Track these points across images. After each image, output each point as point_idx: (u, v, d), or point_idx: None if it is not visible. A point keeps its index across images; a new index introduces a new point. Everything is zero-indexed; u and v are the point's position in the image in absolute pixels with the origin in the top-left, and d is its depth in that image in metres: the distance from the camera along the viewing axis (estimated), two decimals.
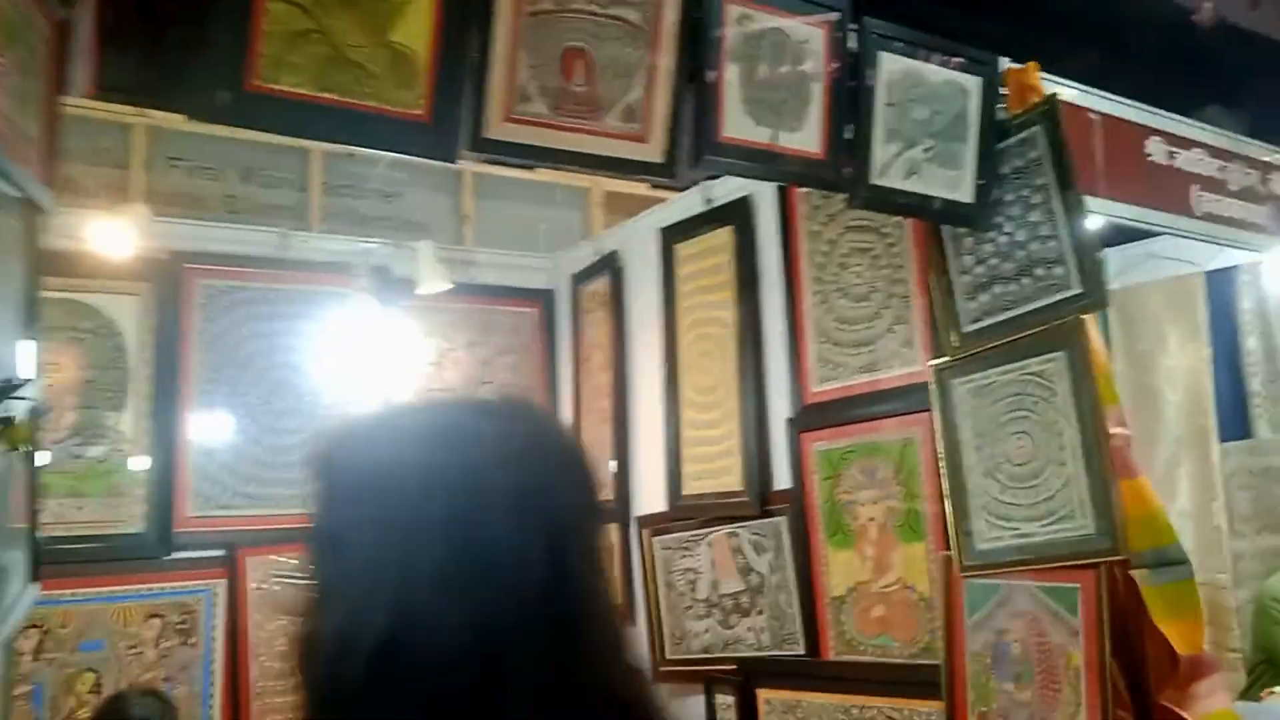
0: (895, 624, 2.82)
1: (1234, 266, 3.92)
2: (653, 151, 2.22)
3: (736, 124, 2.28)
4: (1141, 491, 2.45)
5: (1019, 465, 2.53)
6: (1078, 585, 2.36)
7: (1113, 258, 4.29)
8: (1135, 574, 2.36)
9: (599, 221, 5.22)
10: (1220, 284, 4.00)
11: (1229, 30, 3.78)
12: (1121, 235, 3.69)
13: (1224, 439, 3.96)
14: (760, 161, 2.34)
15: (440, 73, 1.95)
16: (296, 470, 3.75)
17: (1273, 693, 3.23)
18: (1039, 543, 2.46)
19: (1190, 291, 4.08)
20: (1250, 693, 3.33)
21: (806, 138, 2.39)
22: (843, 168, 2.46)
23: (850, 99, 2.42)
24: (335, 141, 2.09)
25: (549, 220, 5.07)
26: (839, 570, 2.99)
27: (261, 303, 3.80)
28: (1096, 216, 2.88)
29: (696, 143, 2.25)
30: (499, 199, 5.06)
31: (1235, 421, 3.97)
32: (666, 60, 2.20)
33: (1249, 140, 3.31)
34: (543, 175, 5.00)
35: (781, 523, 3.17)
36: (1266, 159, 3.35)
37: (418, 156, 2.06)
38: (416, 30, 1.92)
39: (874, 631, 2.88)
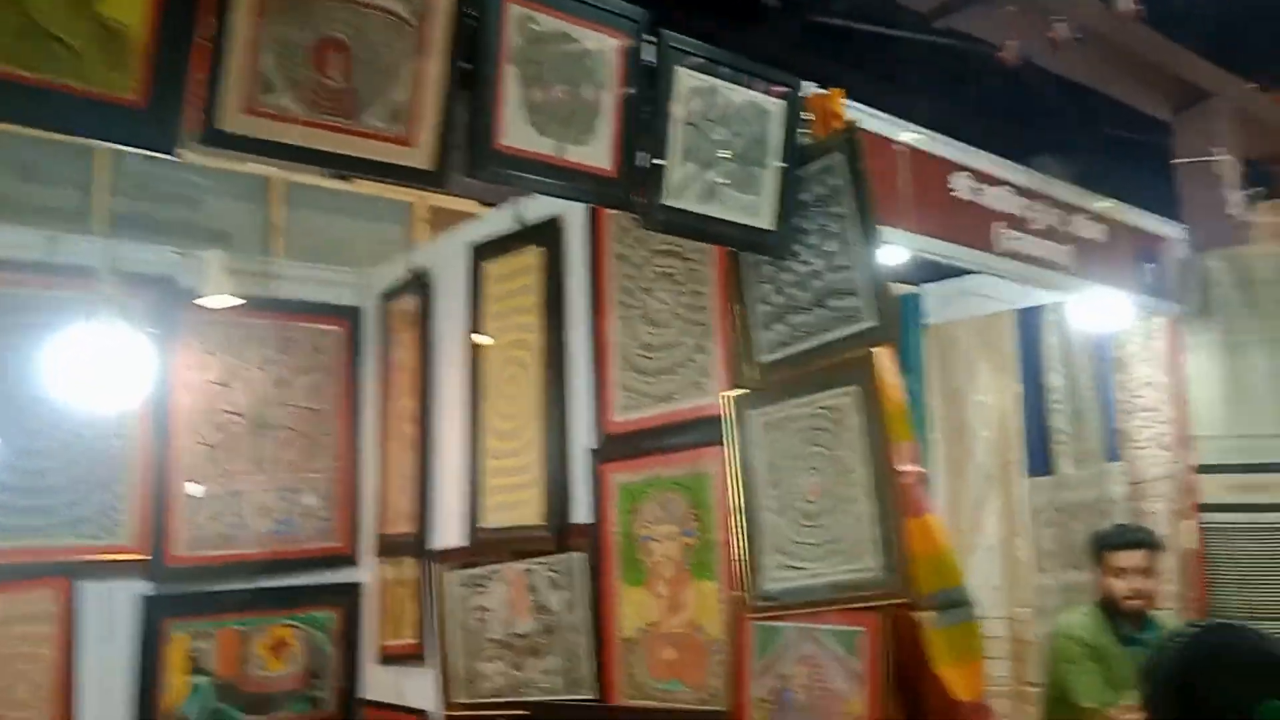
0: (685, 668, 2.68)
1: (1041, 305, 4.00)
2: (420, 157, 2.03)
3: (517, 133, 2.12)
4: (930, 530, 2.39)
5: (810, 502, 2.44)
6: (862, 629, 2.28)
7: (931, 294, 4.35)
8: (920, 616, 2.29)
9: (423, 238, 4.99)
10: (1029, 322, 4.07)
11: (1058, 82, 3.86)
12: (938, 271, 3.72)
13: (1030, 474, 4.03)
14: (544, 175, 2.18)
15: (160, 53, 1.72)
16: (53, 496, 3.39)
17: None
18: (826, 584, 2.37)
19: (1001, 329, 4.15)
20: None
21: (596, 152, 2.25)
22: (636, 187, 2.33)
23: (645, 115, 2.30)
24: (29, 125, 1.82)
25: (369, 235, 4.80)
26: (632, 609, 2.84)
27: (24, 310, 3.42)
28: (900, 249, 2.84)
29: (471, 150, 2.08)
30: (313, 209, 4.75)
31: (1040, 457, 4.04)
32: (437, 58, 2.02)
33: (1053, 180, 3.35)
34: (364, 187, 4.73)
35: (578, 558, 3.00)
36: (1070, 200, 3.40)
37: (129, 146, 1.81)
38: (130, 3, 1.69)
39: (664, 675, 2.73)
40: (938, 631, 2.30)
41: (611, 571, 2.93)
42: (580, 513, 3.06)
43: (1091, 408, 4.00)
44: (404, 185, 3.81)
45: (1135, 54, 3.34)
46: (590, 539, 2.99)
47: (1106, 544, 3.27)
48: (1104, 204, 3.53)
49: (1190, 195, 3.77)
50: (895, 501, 2.30)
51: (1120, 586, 3.18)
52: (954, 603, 2.38)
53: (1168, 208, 3.91)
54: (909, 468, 2.41)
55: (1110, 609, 3.21)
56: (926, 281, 4.19)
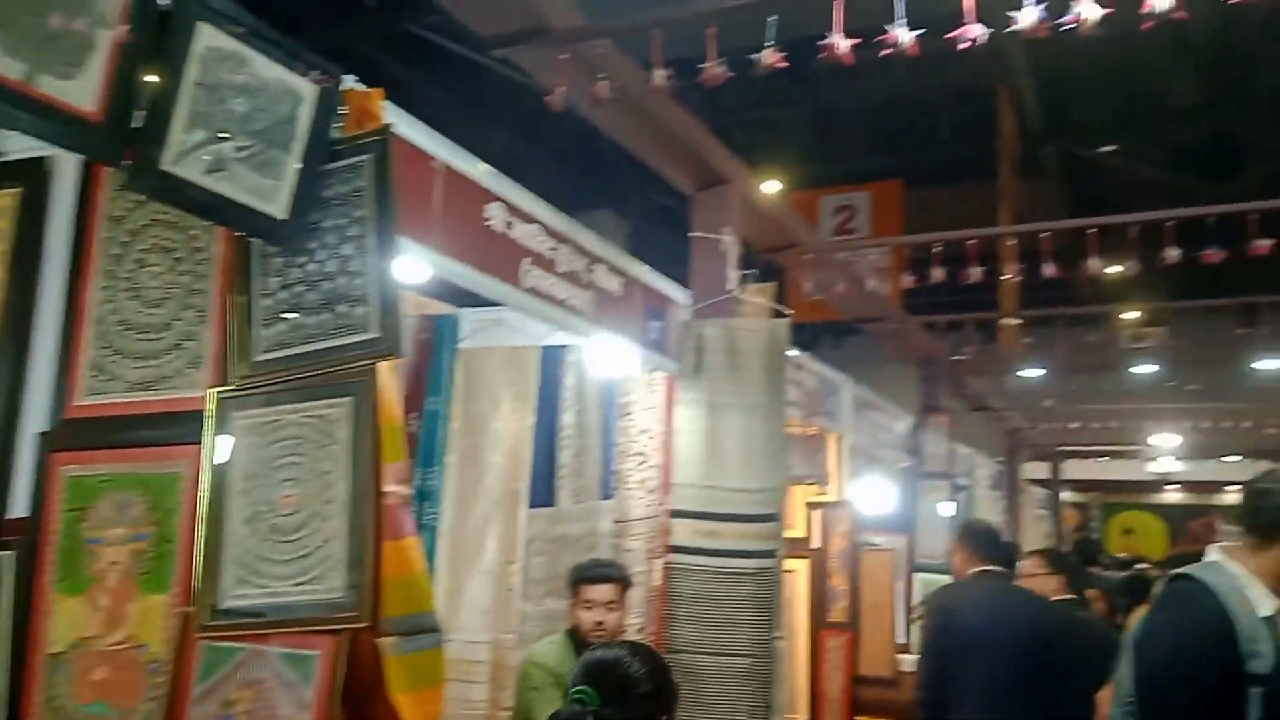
0: (116, 689, 2.37)
1: (565, 345, 4.19)
2: None
3: None
4: (407, 554, 2.35)
5: (284, 516, 2.28)
6: (317, 653, 2.16)
7: (466, 318, 4.39)
8: (381, 641, 2.23)
9: None
10: (551, 359, 4.24)
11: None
12: (476, 297, 3.75)
13: (532, 505, 4.17)
14: (3, 101, 1.84)
15: None
16: None
17: None
18: (287, 603, 2.22)
19: (526, 362, 4.27)
20: None
21: (80, 91, 1.95)
22: (128, 142, 2.05)
23: (150, 62, 2.04)
24: None
25: None
26: (64, 621, 2.47)
27: None
28: (425, 268, 2.81)
29: None
30: None
31: (544, 489, 4.20)
32: None
33: (581, 227, 3.53)
34: None
35: (6, 558, 2.56)
36: (594, 250, 3.60)
37: None
38: None
39: (90, 697, 2.39)
40: (399, 658, 2.25)
41: (45, 576, 2.52)
42: (18, 505, 2.61)
43: (595, 447, 4.25)
44: None
45: (668, 128, 3.64)
46: (25, 536, 2.56)
47: (580, 577, 3.45)
48: (623, 259, 3.79)
49: (698, 267, 4.17)
50: (374, 522, 2.23)
51: (587, 618, 3.37)
52: (421, 629, 2.35)
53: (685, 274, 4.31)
54: (395, 489, 2.35)
55: (578, 639, 3.39)
56: (466, 305, 4.22)
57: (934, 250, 5.36)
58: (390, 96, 2.53)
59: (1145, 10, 2.24)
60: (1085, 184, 11.02)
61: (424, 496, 4.16)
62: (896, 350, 7.86)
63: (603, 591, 3.38)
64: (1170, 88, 9.20)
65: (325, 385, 2.30)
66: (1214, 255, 4.66)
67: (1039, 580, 4.37)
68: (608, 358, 3.93)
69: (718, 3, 2.93)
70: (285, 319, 2.37)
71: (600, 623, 3.35)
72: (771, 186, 8.70)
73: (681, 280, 4.25)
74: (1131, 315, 8.18)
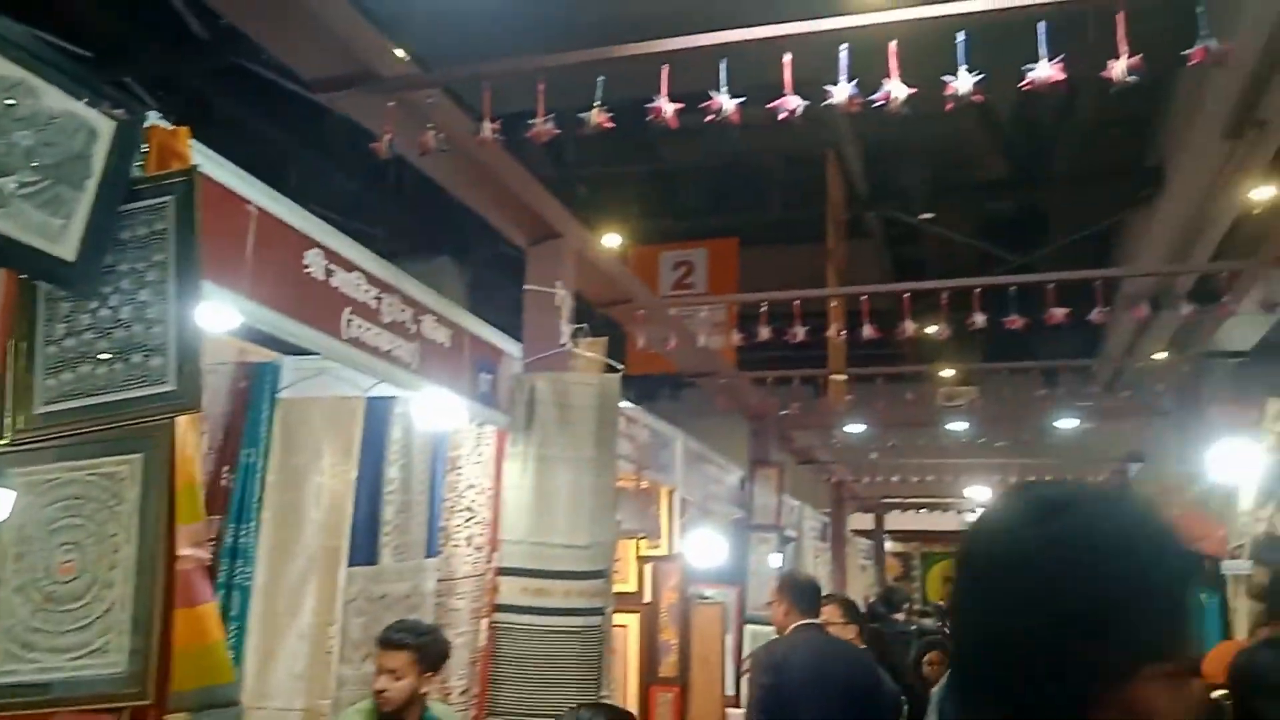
0: None
1: (392, 397, 4.06)
2: None
3: None
4: (203, 622, 2.19)
5: (62, 583, 2.09)
6: None
7: (288, 366, 4.20)
8: (171, 719, 2.06)
9: None
10: (376, 411, 4.10)
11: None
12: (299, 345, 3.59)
13: (352, 563, 3.99)
14: None
15: None
16: None
17: None
18: (64, 680, 2.03)
19: (350, 413, 4.12)
20: None
21: None
22: None
23: None
24: None
25: None
26: None
27: None
28: (237, 316, 2.67)
29: None
30: None
31: (365, 547, 4.03)
32: None
33: (407, 276, 3.44)
34: None
35: None
36: (421, 299, 3.52)
37: None
38: None
39: None
40: None
41: None
42: None
43: (421, 502, 4.12)
44: None
45: (500, 180, 3.61)
46: None
47: (378, 640, 3.29)
48: (452, 309, 3.72)
49: (530, 319, 4.14)
50: (164, 589, 2.07)
51: (377, 684, 3.18)
52: (216, 703, 2.19)
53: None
54: (190, 552, 2.20)
55: (378, 706, 3.21)
56: (290, 353, 4.04)
57: (761, 309, 5.53)
58: (223, 135, 2.42)
59: (949, 92, 2.38)
60: (906, 248, 11.63)
61: (236, 554, 3.93)
62: (727, 404, 8.03)
63: (390, 658, 3.18)
64: (981, 162, 9.85)
65: (114, 440, 2.14)
66: (1016, 321, 4.98)
67: (837, 629, 4.51)
68: (436, 410, 3.83)
69: (552, 60, 2.94)
70: (73, 369, 2.20)
71: (382, 691, 3.16)
72: (612, 241, 8.82)
73: (521, 332, 4.21)
74: (946, 375, 8.66)
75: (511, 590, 3.90)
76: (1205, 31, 2.32)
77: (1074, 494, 1.04)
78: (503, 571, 3.91)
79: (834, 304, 7.17)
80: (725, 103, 2.61)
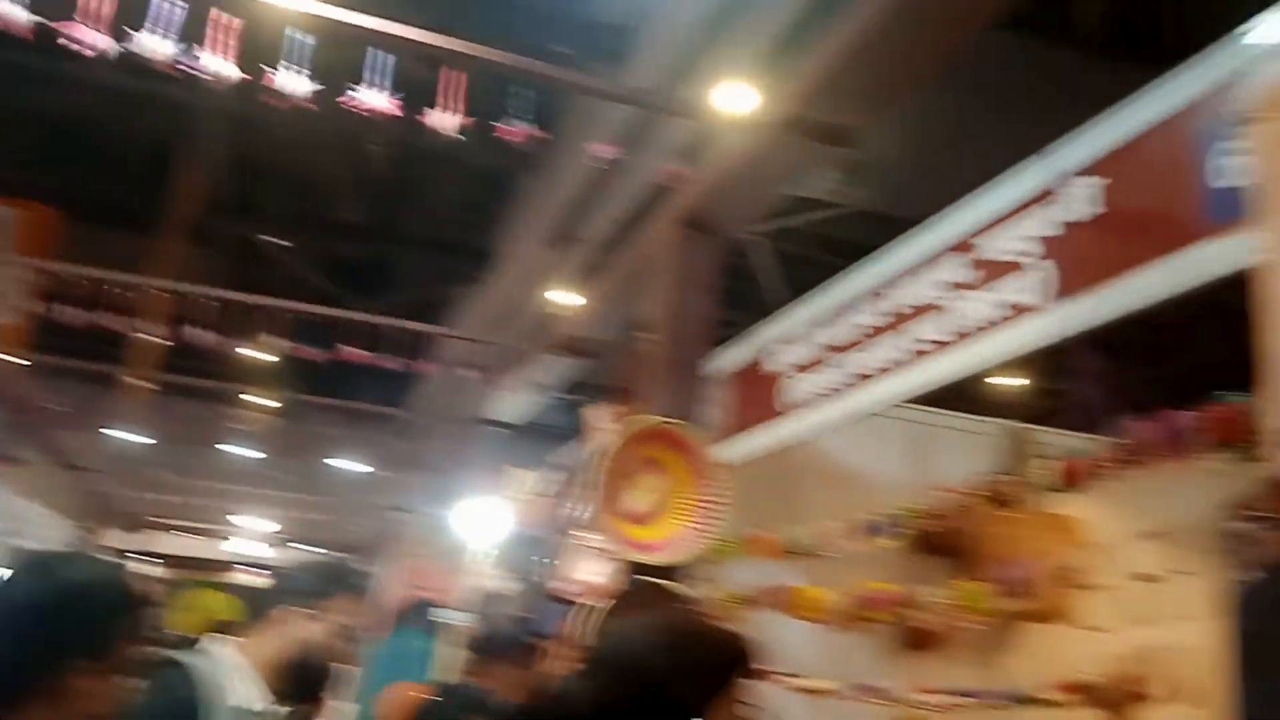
0: None
1: None
2: None
3: None
4: None
5: None
6: None
7: None
8: None
9: None
10: None
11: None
12: None
13: None
14: None
15: None
16: None
17: None
18: None
19: None
20: None
21: None
22: None
23: None
24: None
25: None
26: None
27: None
28: None
29: None
30: None
31: None
32: None
33: None
34: None
35: None
36: None
37: None
38: None
39: None
40: None
41: None
42: None
43: None
44: None
45: None
46: None
47: None
48: None
49: None
50: None
51: None
52: None
53: None
54: None
55: None
56: None
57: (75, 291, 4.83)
58: None
59: (271, 86, 2.30)
60: (252, 269, 11.19)
61: None
62: None
63: None
64: (344, 204, 9.93)
65: None
66: (311, 353, 4.98)
67: None
68: None
69: None
70: None
71: None
72: None
73: None
74: (252, 399, 8.35)
75: None
76: (531, 117, 2.58)
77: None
78: None
79: (155, 301, 6.55)
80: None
